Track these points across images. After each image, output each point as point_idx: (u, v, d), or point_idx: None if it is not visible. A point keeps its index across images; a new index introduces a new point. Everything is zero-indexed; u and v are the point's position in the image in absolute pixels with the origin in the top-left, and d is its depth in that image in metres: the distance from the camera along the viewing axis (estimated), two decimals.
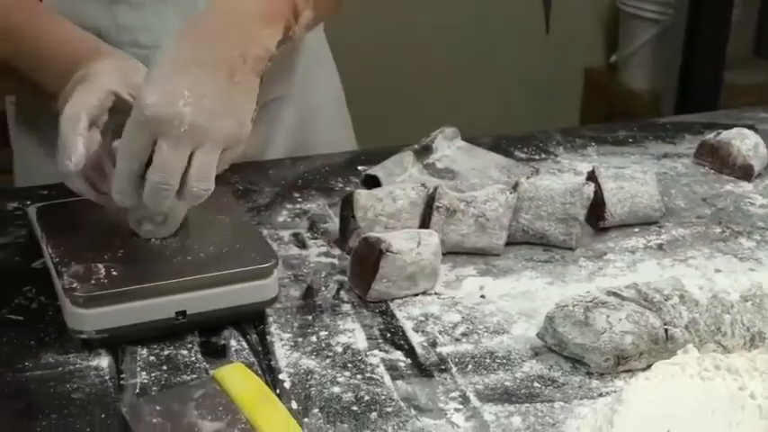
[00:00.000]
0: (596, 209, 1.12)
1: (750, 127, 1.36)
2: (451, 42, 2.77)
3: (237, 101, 0.90)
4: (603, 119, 2.96)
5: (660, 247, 1.11)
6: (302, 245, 1.08)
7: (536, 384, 0.87)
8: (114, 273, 0.89)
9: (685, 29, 2.64)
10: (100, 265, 0.90)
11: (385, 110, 2.55)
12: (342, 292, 1.00)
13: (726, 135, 1.30)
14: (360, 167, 1.25)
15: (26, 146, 1.34)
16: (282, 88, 1.29)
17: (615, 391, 0.86)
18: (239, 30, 0.93)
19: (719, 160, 1.29)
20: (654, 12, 2.83)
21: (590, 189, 1.10)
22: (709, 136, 1.32)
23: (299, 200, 1.17)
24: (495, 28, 2.84)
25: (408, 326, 0.95)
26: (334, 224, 1.11)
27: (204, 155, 0.87)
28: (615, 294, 0.90)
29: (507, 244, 1.08)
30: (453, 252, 1.07)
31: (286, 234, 1.10)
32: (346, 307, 0.97)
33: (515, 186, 1.08)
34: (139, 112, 0.86)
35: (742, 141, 1.28)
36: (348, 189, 1.19)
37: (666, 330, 0.87)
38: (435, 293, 1.00)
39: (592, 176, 1.14)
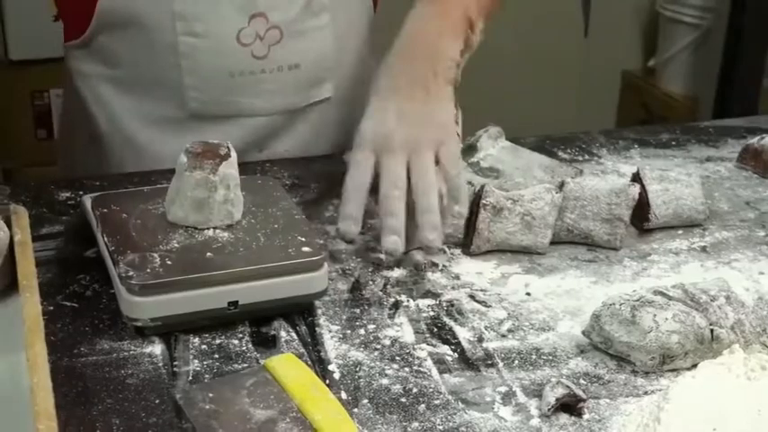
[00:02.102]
0: (641, 210, 1.12)
1: None
2: (492, 44, 2.77)
3: (435, 108, 1.07)
4: (639, 122, 2.95)
5: (704, 249, 1.11)
6: (349, 240, 1.09)
7: (582, 381, 0.88)
8: (169, 262, 0.91)
9: (726, 34, 2.63)
10: (155, 255, 0.91)
11: None
12: (388, 287, 1.01)
13: None
14: None
15: (71, 139, 1.36)
16: (330, 91, 1.31)
17: (660, 390, 0.86)
18: (427, 50, 1.10)
19: (763, 164, 1.29)
20: (694, 16, 2.81)
21: (635, 190, 1.10)
22: (753, 140, 1.32)
23: None
24: (535, 30, 2.84)
25: (454, 321, 0.96)
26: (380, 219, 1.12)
27: (419, 159, 1.03)
28: (662, 294, 0.91)
29: (551, 243, 1.09)
30: (499, 250, 1.08)
31: (333, 229, 1.11)
32: (393, 301, 0.99)
33: (561, 186, 1.09)
34: (361, 139, 1.05)
35: None
36: None
37: (712, 331, 0.88)
38: (481, 290, 1.01)
39: (637, 178, 1.15)
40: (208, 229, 0.96)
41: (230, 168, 0.96)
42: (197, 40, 1.18)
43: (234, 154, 0.97)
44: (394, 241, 1.01)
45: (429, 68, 1.08)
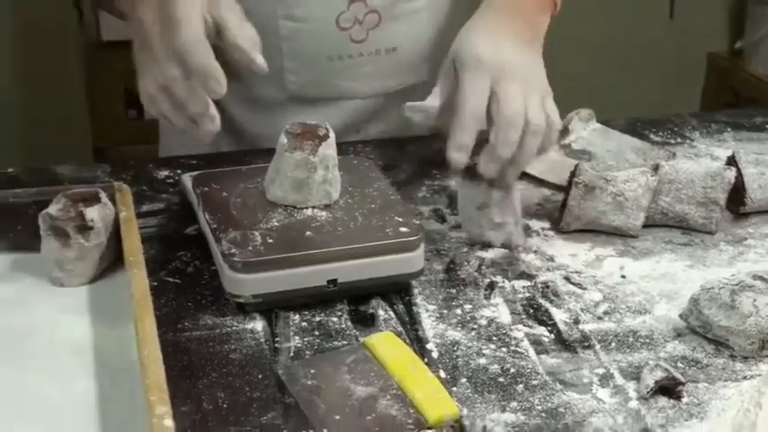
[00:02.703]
0: (736, 194, 1.11)
1: None
2: (580, 27, 2.76)
3: (536, 65, 1.06)
4: (726, 105, 2.90)
5: None
6: (442, 220, 1.10)
7: (679, 365, 0.87)
8: (270, 240, 0.92)
9: None
10: (256, 233, 0.93)
11: None
12: (483, 267, 1.02)
13: None
14: None
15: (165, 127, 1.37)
16: (421, 75, 1.31)
17: (759, 375, 0.86)
18: (527, 22, 1.09)
19: None
20: None
21: (731, 174, 1.09)
22: None
23: (438, 176, 1.19)
24: (621, 12, 2.81)
25: (550, 303, 0.96)
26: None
27: (533, 97, 1.00)
28: (762, 279, 0.90)
29: (645, 226, 1.08)
30: (592, 231, 1.08)
31: (426, 209, 1.12)
32: (488, 281, 0.99)
33: (656, 169, 1.08)
34: (479, 61, 1.00)
35: None
36: None
37: None
38: (576, 272, 1.01)
39: (732, 161, 1.13)
40: (306, 208, 0.97)
41: (329, 149, 0.97)
42: (297, 24, 1.20)
43: (332, 135, 0.98)
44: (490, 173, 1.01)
45: (520, 32, 1.06)
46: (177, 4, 0.91)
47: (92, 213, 0.93)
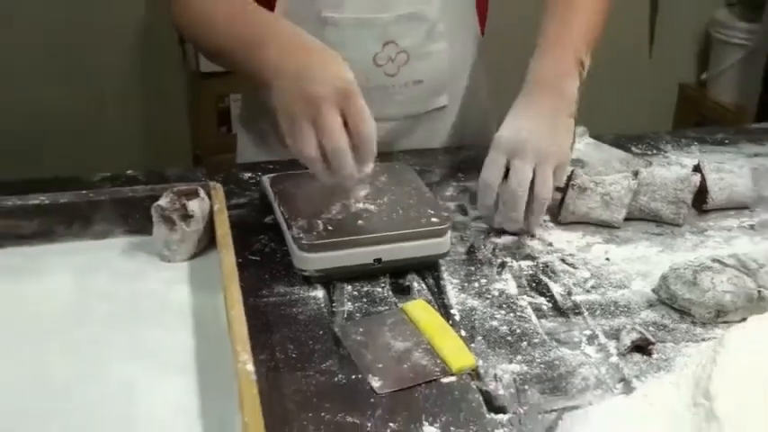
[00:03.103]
0: (701, 195, 1.10)
1: None
2: None
3: (561, 135, 1.03)
4: (693, 125, 2.87)
5: (752, 227, 1.08)
6: (465, 213, 1.10)
7: (651, 328, 0.87)
8: (330, 227, 0.93)
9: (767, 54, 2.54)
10: (319, 221, 0.94)
11: None
12: (496, 251, 1.01)
13: None
14: None
15: (246, 138, 1.38)
16: (442, 102, 1.31)
17: (715, 338, 0.85)
18: (552, 91, 1.06)
19: None
20: (741, 38, 2.71)
21: (697, 179, 1.08)
22: None
23: (462, 179, 1.19)
24: (608, 49, 2.78)
25: (549, 278, 0.96)
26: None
27: (542, 169, 1.00)
28: (719, 261, 0.89)
29: (626, 219, 1.08)
30: (583, 223, 1.07)
31: (453, 204, 1.12)
32: (500, 261, 0.99)
33: (636, 174, 1.08)
34: (498, 143, 1.01)
35: None
36: None
37: (759, 292, 0.86)
38: (570, 254, 1.01)
39: (698, 168, 1.12)
40: (358, 202, 0.98)
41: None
42: None
43: None
44: (508, 226, 1.03)
45: (554, 106, 1.04)
46: (352, 92, 0.91)
47: (193, 205, 0.94)
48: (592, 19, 1.16)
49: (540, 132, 1.01)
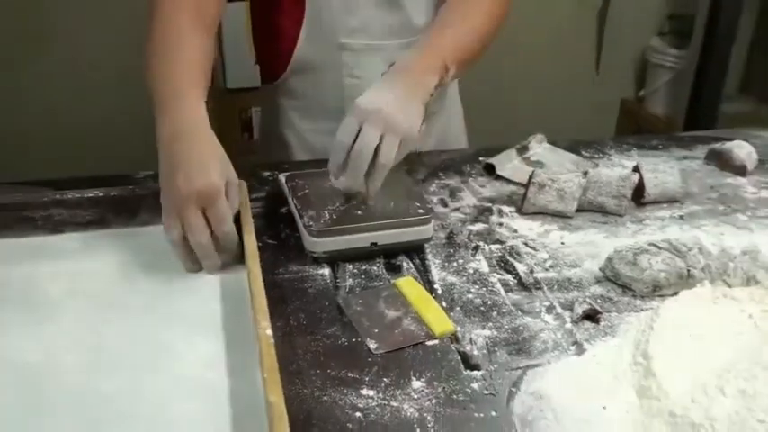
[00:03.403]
0: (639, 190, 1.09)
1: (744, 140, 1.31)
2: (538, 81, 2.74)
3: (412, 116, 0.93)
4: (632, 133, 2.87)
5: (681, 217, 1.08)
6: (445, 205, 1.09)
7: (599, 300, 0.87)
8: (335, 216, 0.93)
9: (695, 74, 2.54)
10: (325, 212, 0.94)
11: (491, 119, 2.53)
12: (471, 236, 1.01)
13: (728, 145, 1.25)
14: (481, 158, 1.24)
15: (268, 143, 1.36)
16: (436, 107, 1.30)
17: (652, 308, 0.85)
18: (417, 80, 0.97)
19: (723, 162, 1.25)
20: (672, 62, 2.72)
21: (636, 177, 1.08)
22: (716, 145, 1.27)
23: (443, 178, 1.18)
24: (563, 69, 2.78)
25: (515, 259, 0.95)
26: (466, 194, 1.12)
27: (389, 138, 0.90)
28: (655, 246, 0.89)
29: (578, 211, 1.07)
30: (541, 213, 1.07)
31: (435, 198, 1.11)
32: (474, 245, 0.98)
33: (585, 174, 1.07)
34: (355, 109, 0.90)
35: (740, 149, 1.24)
36: (473, 172, 1.19)
37: (689, 270, 0.86)
38: (531, 239, 1.01)
39: (636, 169, 1.12)
40: (357, 195, 0.97)
41: None
42: (356, 81, 1.20)
43: None
44: (346, 184, 0.92)
45: (411, 91, 0.95)
46: (215, 189, 0.85)
47: None
48: (469, 36, 1.07)
49: (394, 107, 0.91)
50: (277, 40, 1.23)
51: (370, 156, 0.89)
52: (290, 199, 1.00)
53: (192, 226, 0.84)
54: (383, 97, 0.92)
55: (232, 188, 0.88)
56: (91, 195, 0.95)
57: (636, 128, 2.90)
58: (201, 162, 0.85)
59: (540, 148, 1.28)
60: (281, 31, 1.22)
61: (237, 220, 0.93)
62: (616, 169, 1.23)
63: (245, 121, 2.46)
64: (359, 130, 0.89)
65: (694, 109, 2.60)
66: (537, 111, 2.70)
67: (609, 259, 0.90)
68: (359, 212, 0.94)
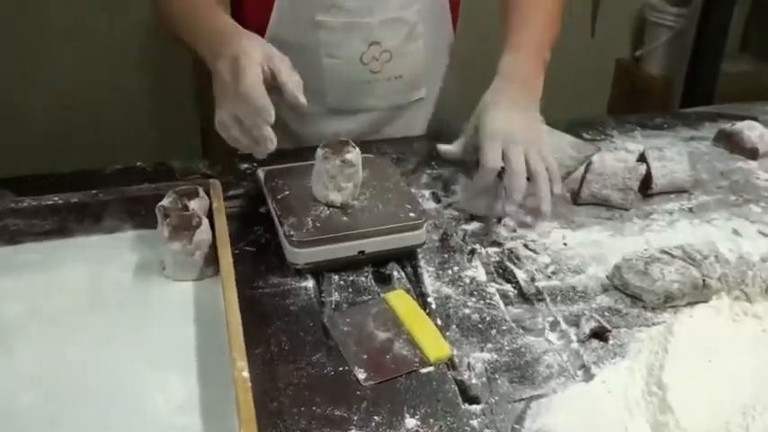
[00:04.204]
0: (645, 181, 1.03)
1: (753, 118, 1.23)
2: None
3: (536, 126, 0.99)
4: (627, 95, 2.78)
5: (690, 210, 1.01)
6: (438, 200, 1.02)
7: (606, 314, 0.81)
8: (318, 224, 0.85)
9: (695, 33, 2.45)
10: (308, 218, 0.86)
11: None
12: (466, 237, 0.94)
13: (739, 125, 1.18)
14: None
15: None
16: (420, 94, 1.22)
17: (664, 322, 0.79)
18: (526, 89, 1.00)
19: (733, 144, 1.17)
20: (671, 21, 2.61)
21: (643, 168, 1.01)
22: (725, 126, 1.20)
23: (435, 167, 1.10)
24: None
25: (514, 265, 0.89)
26: (460, 186, 1.05)
27: (531, 152, 0.94)
28: (667, 253, 0.83)
29: (580, 204, 1.01)
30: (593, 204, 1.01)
31: (427, 192, 1.04)
32: (470, 248, 0.92)
33: (589, 164, 1.00)
34: (493, 133, 0.94)
35: (751, 130, 1.16)
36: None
37: (704, 280, 0.80)
38: (531, 240, 0.94)
39: (642, 158, 1.05)
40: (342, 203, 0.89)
41: (355, 159, 0.88)
42: (335, 60, 1.11)
43: (357, 150, 0.89)
44: (512, 211, 0.95)
45: (526, 102, 0.99)
46: (242, 59, 0.82)
47: (193, 204, 0.86)
48: (552, 16, 1.09)
49: (523, 124, 0.96)
50: (248, 17, 1.14)
51: (525, 173, 0.92)
52: (269, 201, 0.92)
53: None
54: (511, 117, 0.96)
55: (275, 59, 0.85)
56: (50, 202, 0.87)
57: (631, 89, 2.82)
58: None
59: None
60: (251, 6, 1.13)
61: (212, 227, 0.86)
62: (620, 154, 1.16)
63: None
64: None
65: (694, 69, 2.51)
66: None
67: (617, 268, 0.84)
68: (344, 218, 0.87)
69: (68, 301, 0.79)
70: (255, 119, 0.82)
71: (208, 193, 0.89)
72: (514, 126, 0.95)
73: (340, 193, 0.88)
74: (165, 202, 0.86)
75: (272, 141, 0.83)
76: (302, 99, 0.84)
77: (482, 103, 0.99)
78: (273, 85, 0.84)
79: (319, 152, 0.88)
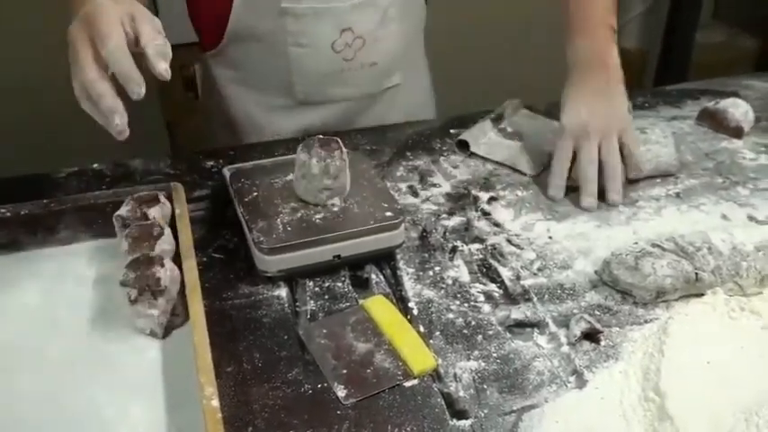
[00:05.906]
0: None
1: (734, 94, 1.21)
2: (509, 32, 2.56)
3: (617, 104, 0.96)
4: None
5: (677, 195, 0.98)
6: (415, 194, 0.98)
7: (596, 312, 0.78)
8: (289, 228, 0.81)
9: (669, 4, 2.43)
10: (278, 221, 0.81)
11: (457, 84, 2.37)
12: (447, 234, 0.90)
13: (723, 104, 1.15)
14: (452, 131, 1.13)
15: (211, 120, 1.22)
16: (395, 81, 1.17)
17: (656, 318, 0.76)
18: (601, 66, 0.98)
19: (717, 123, 1.15)
20: None
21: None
22: (709, 104, 1.17)
23: (411, 158, 1.06)
24: (529, 11, 2.62)
25: (498, 262, 0.85)
26: (437, 177, 1.01)
27: (607, 141, 0.94)
28: (658, 246, 0.79)
29: (566, 192, 0.97)
30: (525, 202, 0.96)
31: (403, 186, 1.00)
32: (451, 246, 0.88)
33: None
34: (564, 131, 0.95)
35: (735, 108, 1.13)
36: (445, 149, 1.08)
37: (696, 274, 0.77)
38: (515, 234, 0.90)
39: None
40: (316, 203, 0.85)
41: (341, 160, 0.83)
42: (302, 49, 1.05)
43: (344, 150, 0.84)
44: (590, 202, 0.94)
45: (603, 80, 0.97)
46: (102, 21, 0.70)
47: (153, 212, 0.81)
48: None
49: (599, 110, 0.95)
50: (209, 4, 1.08)
51: (596, 167, 0.94)
52: (236, 204, 0.87)
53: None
54: (585, 106, 0.95)
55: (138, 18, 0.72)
56: None
57: None
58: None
59: (517, 115, 1.16)
60: None
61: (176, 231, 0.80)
62: None
63: (187, 78, 2.26)
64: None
65: (669, 40, 2.49)
66: (503, 61, 2.55)
67: (606, 263, 0.81)
68: (317, 220, 0.82)
69: (19, 323, 0.74)
70: (107, 90, 0.69)
71: (170, 198, 0.84)
72: (588, 117, 0.94)
73: (330, 191, 0.84)
74: (123, 210, 0.80)
75: (121, 115, 0.69)
76: (162, 66, 0.70)
77: (561, 100, 0.98)
78: (137, 51, 0.71)
79: (302, 151, 0.83)
